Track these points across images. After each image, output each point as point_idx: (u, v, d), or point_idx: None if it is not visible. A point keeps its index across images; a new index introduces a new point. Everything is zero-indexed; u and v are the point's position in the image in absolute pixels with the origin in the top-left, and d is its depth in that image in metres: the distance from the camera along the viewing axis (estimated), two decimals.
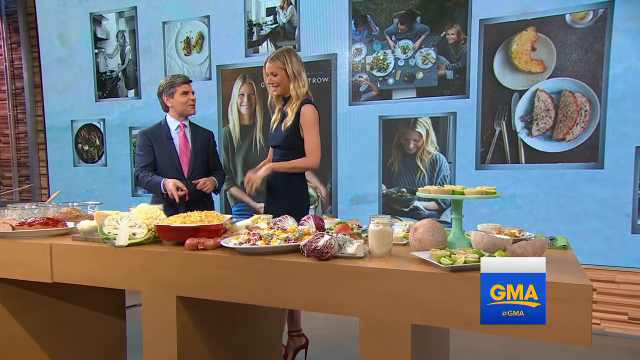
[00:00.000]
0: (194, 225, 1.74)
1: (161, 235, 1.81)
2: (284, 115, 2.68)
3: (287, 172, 2.65)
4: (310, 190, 4.16)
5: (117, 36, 4.89)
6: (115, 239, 1.78)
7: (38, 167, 5.43)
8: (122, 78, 4.89)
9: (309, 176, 4.17)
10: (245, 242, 1.62)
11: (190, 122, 2.95)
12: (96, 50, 4.99)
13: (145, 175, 2.77)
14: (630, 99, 3.19)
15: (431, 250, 1.43)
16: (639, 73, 3.16)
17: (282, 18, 4.17)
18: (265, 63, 2.64)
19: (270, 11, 4.21)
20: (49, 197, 5.36)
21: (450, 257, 1.35)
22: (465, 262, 1.32)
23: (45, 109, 5.24)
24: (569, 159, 3.35)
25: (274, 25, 4.20)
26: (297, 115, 2.60)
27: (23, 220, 2.15)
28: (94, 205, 2.57)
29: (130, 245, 1.78)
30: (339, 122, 4.02)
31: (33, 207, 2.63)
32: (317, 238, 1.53)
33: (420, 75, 3.73)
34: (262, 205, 4.26)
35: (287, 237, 1.64)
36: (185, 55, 4.55)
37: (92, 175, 5.11)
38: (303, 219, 1.98)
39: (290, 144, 2.65)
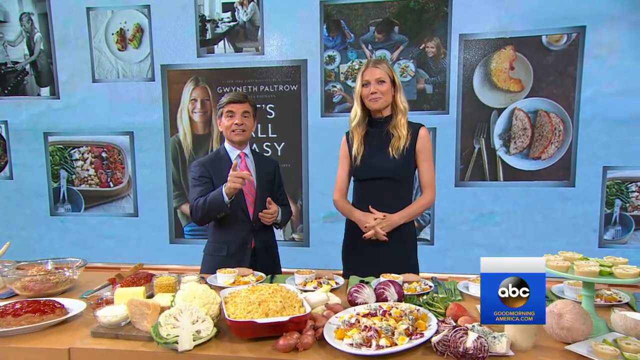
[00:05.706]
0: (283, 320, 1.39)
1: (237, 332, 1.42)
2: (384, 139, 2.24)
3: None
4: None
5: (20, 19, 3.99)
6: (176, 342, 1.36)
7: None
8: (31, 72, 4.01)
9: None
10: (365, 344, 1.33)
11: (251, 149, 2.49)
12: None
13: (200, 199, 2.27)
14: (598, 122, 3.38)
15: (594, 345, 1.29)
16: (606, 97, 3.35)
17: (242, 16, 3.70)
18: (363, 70, 2.24)
19: (228, 7, 3.71)
20: None
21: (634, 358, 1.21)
22: None
23: None
24: (544, 177, 3.47)
25: (232, 23, 3.71)
26: (414, 138, 2.22)
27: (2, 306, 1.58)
28: (76, 267, 2.01)
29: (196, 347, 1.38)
30: (310, 134, 3.72)
31: None
32: (460, 336, 1.30)
33: None
34: None
35: (407, 328, 1.39)
36: (120, 50, 3.86)
37: None
38: (382, 286, 1.72)
39: (406, 173, 2.26)
